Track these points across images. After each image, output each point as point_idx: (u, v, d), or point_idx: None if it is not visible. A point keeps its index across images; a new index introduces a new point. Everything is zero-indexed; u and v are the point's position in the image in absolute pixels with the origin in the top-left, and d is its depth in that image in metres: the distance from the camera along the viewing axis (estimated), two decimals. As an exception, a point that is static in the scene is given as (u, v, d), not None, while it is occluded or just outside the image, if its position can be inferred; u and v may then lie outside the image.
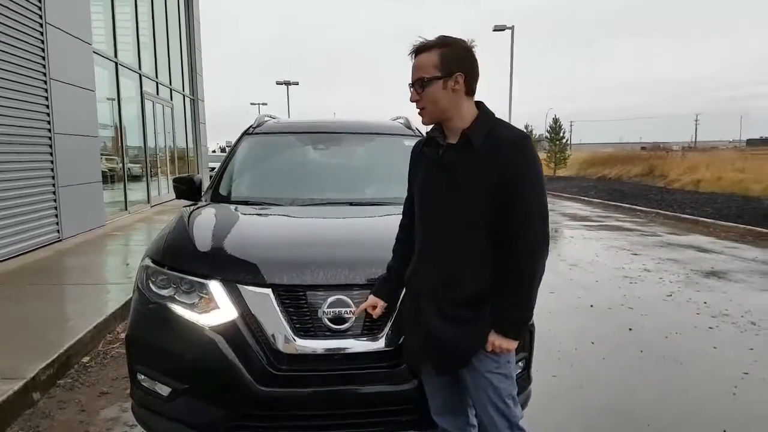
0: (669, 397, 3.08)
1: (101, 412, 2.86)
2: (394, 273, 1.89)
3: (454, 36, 1.65)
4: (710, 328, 4.27)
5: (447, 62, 1.60)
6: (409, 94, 1.69)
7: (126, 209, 10.40)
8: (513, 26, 20.41)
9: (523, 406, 2.30)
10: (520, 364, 2.21)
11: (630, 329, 4.21)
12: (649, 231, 9.44)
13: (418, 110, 1.69)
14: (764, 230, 8.64)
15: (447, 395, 1.84)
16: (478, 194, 1.60)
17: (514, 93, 21.09)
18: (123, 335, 4.03)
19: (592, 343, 3.93)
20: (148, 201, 11.87)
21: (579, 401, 3.05)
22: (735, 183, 14.85)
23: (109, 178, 9.69)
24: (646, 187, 17.85)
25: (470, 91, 1.65)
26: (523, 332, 1.73)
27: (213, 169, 19.46)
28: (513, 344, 1.66)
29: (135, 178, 11.40)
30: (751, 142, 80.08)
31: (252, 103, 49.49)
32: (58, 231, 7.21)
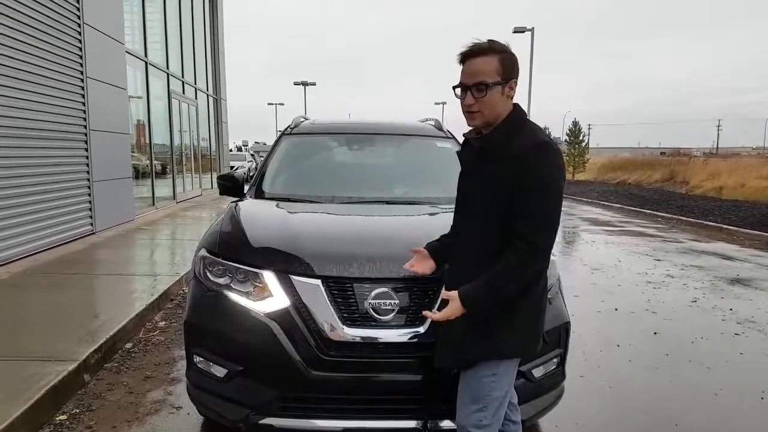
0: (697, 401, 3.12)
1: (148, 395, 3.01)
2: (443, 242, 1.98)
3: (499, 41, 1.68)
4: (736, 334, 4.27)
5: (506, 68, 1.65)
6: (454, 96, 1.71)
7: (153, 205, 10.66)
8: (533, 28, 20.41)
9: (557, 401, 2.39)
10: (555, 360, 2.30)
11: (655, 333, 4.25)
12: (671, 237, 9.37)
13: (469, 113, 1.70)
14: (791, 239, 8.51)
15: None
16: (494, 199, 1.66)
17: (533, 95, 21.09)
18: (161, 324, 4.20)
19: (618, 345, 3.97)
20: (174, 197, 12.14)
21: (608, 401, 3.11)
22: (759, 190, 14.68)
23: (137, 174, 9.96)
24: (667, 193, 17.66)
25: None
26: (471, 308, 1.67)
27: (233, 167, 19.74)
28: (454, 311, 1.67)
29: (161, 175, 11.67)
30: (775, 149, 78.15)
31: (269, 104, 50.39)
32: (91, 224, 7.46)
